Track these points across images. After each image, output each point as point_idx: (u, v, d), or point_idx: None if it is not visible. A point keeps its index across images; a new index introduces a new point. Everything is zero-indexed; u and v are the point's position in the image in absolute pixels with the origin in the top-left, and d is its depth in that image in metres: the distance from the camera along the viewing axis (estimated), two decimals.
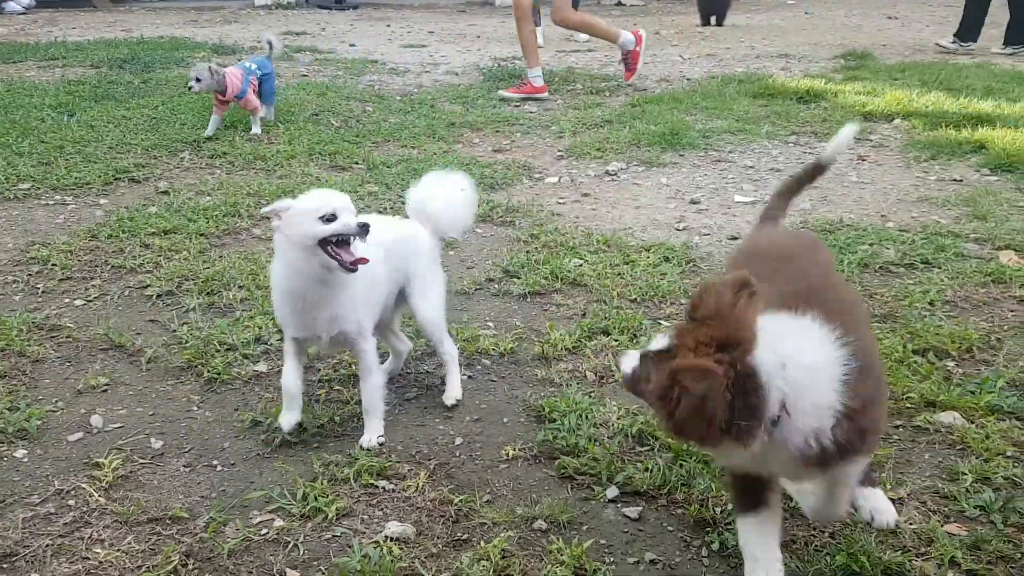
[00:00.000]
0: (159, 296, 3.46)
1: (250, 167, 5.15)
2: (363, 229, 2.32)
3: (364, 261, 2.36)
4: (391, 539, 2.13)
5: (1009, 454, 2.43)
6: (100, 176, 4.87)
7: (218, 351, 3.02)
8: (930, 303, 3.32)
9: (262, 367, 2.95)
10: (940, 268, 3.65)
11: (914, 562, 2.04)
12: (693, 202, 4.65)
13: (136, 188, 4.80)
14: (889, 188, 4.80)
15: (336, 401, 2.77)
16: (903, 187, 4.82)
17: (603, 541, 2.15)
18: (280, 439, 2.54)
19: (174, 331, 3.18)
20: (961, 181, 4.89)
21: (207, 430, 2.62)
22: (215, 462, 2.47)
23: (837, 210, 4.45)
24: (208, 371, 2.90)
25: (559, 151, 5.61)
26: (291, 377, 2.53)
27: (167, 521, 2.21)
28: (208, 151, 5.39)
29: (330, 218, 2.30)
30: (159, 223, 4.15)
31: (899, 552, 2.06)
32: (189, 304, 3.38)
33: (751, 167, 5.24)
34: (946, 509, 2.23)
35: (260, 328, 3.15)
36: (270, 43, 6.09)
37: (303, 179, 4.90)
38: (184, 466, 2.45)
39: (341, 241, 2.33)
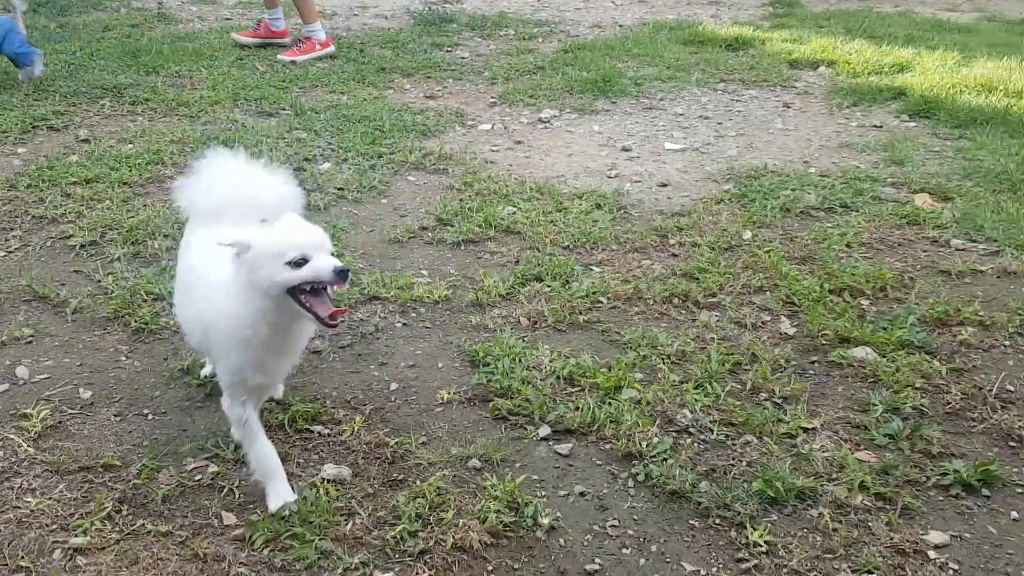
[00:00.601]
0: (82, 246, 3.38)
1: (173, 113, 5.01)
2: (341, 275, 1.91)
3: (344, 312, 2.06)
4: (327, 481, 2.17)
5: (918, 385, 2.57)
6: (17, 124, 4.67)
7: (145, 301, 2.98)
8: (847, 245, 3.46)
9: None
10: (858, 211, 3.79)
11: (826, 486, 2.16)
12: (625, 149, 4.69)
13: (55, 136, 4.63)
14: (812, 134, 4.93)
15: None
16: (825, 133, 4.95)
17: (535, 476, 2.22)
18: (211, 388, 2.54)
19: (99, 281, 3.12)
20: (881, 127, 5.04)
21: (136, 380, 2.60)
22: (146, 411, 2.45)
23: (762, 156, 4.55)
24: (135, 321, 2.87)
25: (492, 98, 5.58)
26: (269, 450, 2.15)
27: (99, 469, 2.20)
28: (129, 98, 5.21)
29: (299, 262, 1.89)
30: (80, 172, 4.02)
31: (812, 478, 2.18)
32: (113, 254, 3.30)
33: (681, 114, 5.31)
34: (857, 438, 2.36)
35: None
36: None
37: (228, 125, 4.79)
38: (114, 415, 2.43)
39: (315, 288, 1.94)
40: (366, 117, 4.96)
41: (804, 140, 4.84)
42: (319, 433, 2.36)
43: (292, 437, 2.34)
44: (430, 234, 3.60)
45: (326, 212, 3.76)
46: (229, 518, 2.06)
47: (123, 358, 2.71)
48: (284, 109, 5.12)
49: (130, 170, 4.08)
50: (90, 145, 4.43)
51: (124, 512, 2.06)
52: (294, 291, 1.92)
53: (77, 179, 3.95)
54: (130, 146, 4.43)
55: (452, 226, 3.63)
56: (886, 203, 3.88)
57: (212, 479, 2.18)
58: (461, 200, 3.90)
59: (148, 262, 3.26)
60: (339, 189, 3.99)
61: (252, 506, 2.10)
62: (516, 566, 1.96)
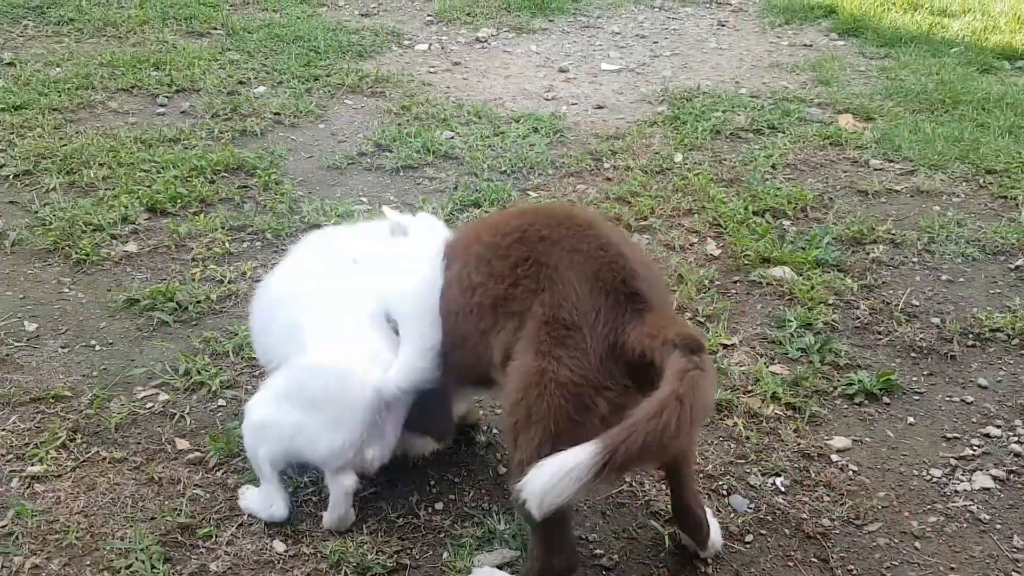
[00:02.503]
0: (16, 176, 3.33)
1: (100, 34, 4.86)
2: None
3: None
4: None
5: (830, 302, 2.76)
6: None
7: (84, 232, 2.98)
8: (772, 167, 3.60)
9: (132, 247, 2.94)
10: (784, 133, 3.93)
11: (741, 398, 2.34)
12: (562, 70, 4.73)
13: None
14: (744, 54, 5.02)
15: (211, 280, 2.81)
16: (757, 53, 5.04)
17: None
18: (158, 320, 2.59)
19: (36, 212, 3.10)
20: (811, 46, 5.15)
21: (81, 311, 2.64)
22: (93, 342, 2.51)
23: (695, 77, 4.64)
24: (76, 252, 2.88)
25: (428, 16, 5.52)
26: None
27: (50, 400, 2.26)
28: (54, 18, 5.03)
29: None
30: (8, 98, 3.92)
31: (729, 391, 2.36)
32: (49, 184, 3.27)
33: (618, 33, 5.33)
34: (772, 352, 2.54)
35: (126, 207, 3.11)
36: None
37: (158, 47, 4.68)
38: (61, 347, 2.48)
39: None
40: (300, 37, 4.89)
41: (736, 60, 4.93)
42: None
43: (239, 365, 2.42)
44: (369, 160, 3.63)
45: (263, 138, 3.76)
46: (182, 443, 2.15)
47: (66, 290, 2.74)
48: (216, 29, 5.01)
49: (59, 95, 3.99)
50: (16, 69, 4.30)
51: (78, 440, 2.14)
52: None
53: (5, 106, 3.86)
54: (58, 70, 4.31)
55: (391, 152, 3.66)
56: (811, 124, 4.02)
57: (163, 407, 2.27)
58: (399, 124, 3.93)
59: (85, 192, 3.25)
60: (275, 114, 3.98)
61: (204, 431, 2.20)
62: None
